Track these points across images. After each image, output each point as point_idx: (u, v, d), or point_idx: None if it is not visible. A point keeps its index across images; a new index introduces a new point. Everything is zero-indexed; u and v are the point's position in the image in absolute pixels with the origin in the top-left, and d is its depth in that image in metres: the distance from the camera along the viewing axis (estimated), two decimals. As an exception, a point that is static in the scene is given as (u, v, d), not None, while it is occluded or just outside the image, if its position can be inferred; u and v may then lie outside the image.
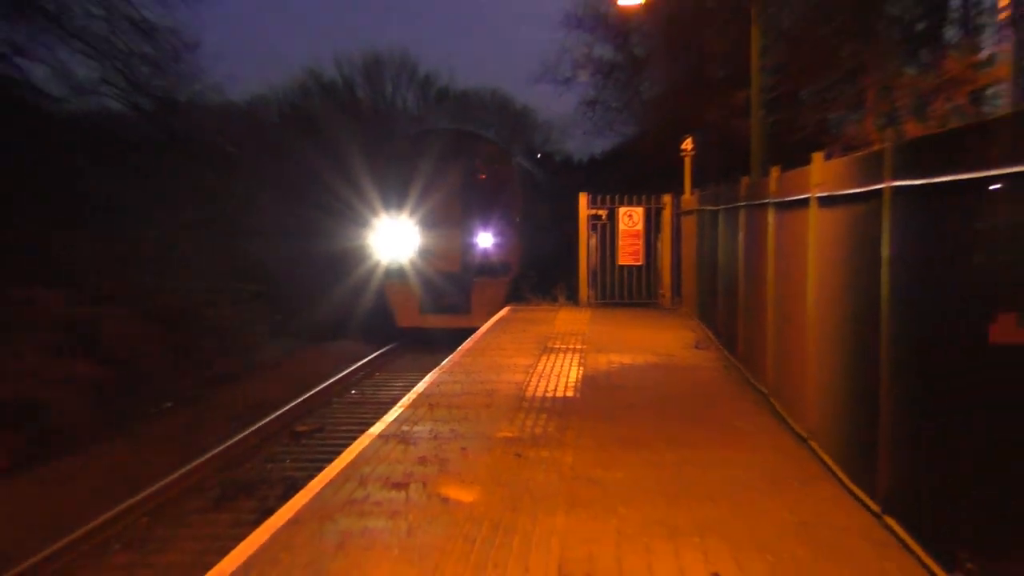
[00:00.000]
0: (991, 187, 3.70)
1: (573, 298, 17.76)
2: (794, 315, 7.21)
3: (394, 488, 5.87)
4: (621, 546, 4.80)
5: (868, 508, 5.20)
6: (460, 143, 19.24)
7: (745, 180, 10.32)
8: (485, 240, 18.50)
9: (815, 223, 6.54)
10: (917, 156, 4.65)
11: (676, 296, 17.27)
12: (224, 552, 4.93)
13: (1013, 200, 3.50)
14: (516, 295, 18.45)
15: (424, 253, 18.19)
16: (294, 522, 5.23)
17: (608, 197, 17.31)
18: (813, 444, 6.57)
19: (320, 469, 6.61)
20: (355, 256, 19.36)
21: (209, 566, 4.70)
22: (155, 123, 19.10)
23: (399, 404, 8.62)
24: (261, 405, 12.87)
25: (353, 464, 6.47)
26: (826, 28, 17.99)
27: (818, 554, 4.65)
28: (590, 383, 9.63)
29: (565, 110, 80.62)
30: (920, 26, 17.89)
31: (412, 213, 18.23)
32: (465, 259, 18.32)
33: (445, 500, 5.62)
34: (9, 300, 13.24)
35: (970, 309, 3.90)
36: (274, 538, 4.98)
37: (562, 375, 10.07)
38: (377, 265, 18.50)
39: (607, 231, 17.27)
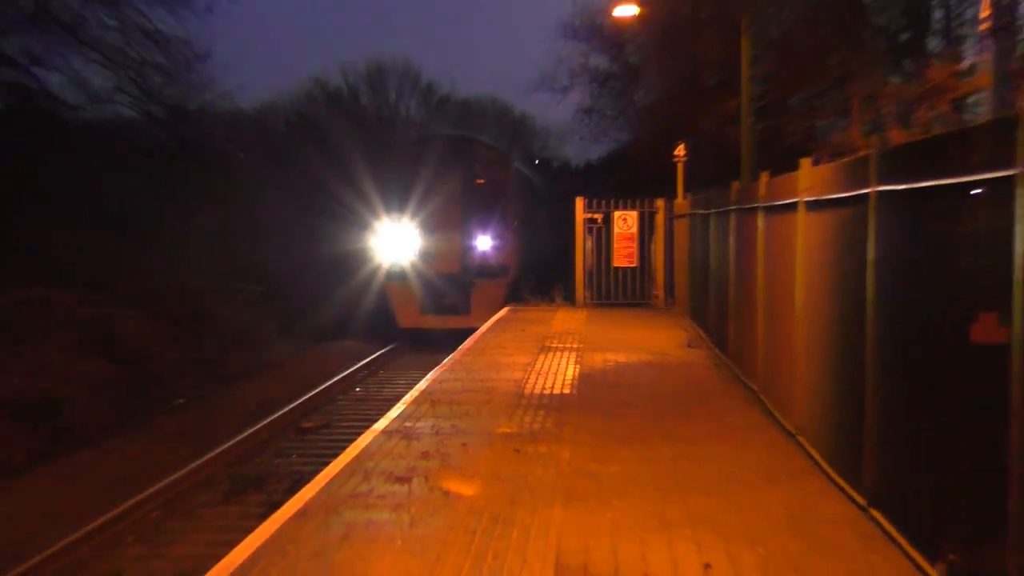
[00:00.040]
0: (972, 192, 3.70)
1: (570, 299, 17.77)
2: (783, 316, 7.21)
3: (397, 482, 5.86)
4: (616, 538, 4.80)
5: (854, 501, 5.20)
6: (459, 148, 19.21)
7: (736, 185, 10.32)
8: (484, 243, 18.47)
9: (803, 227, 6.54)
10: (901, 162, 4.65)
11: (669, 297, 17.28)
12: (233, 544, 4.92)
13: (993, 204, 3.50)
14: (515, 296, 18.44)
15: (425, 255, 18.16)
16: (301, 515, 5.23)
17: (604, 201, 17.33)
18: (801, 439, 6.57)
19: (326, 464, 6.61)
20: (357, 259, 19.35)
21: (219, 557, 4.70)
22: (167, 130, 19.13)
23: (402, 401, 8.62)
24: (269, 402, 12.86)
25: (358, 459, 6.46)
26: (813, 38, 18.02)
27: (807, 546, 4.65)
28: (586, 381, 9.63)
29: (562, 118, 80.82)
30: (904, 36, 17.91)
31: (413, 216, 18.19)
32: (465, 261, 18.30)
33: (446, 493, 5.62)
34: (27, 300, 13.26)
35: (953, 310, 3.90)
36: (281, 530, 4.97)
37: (559, 373, 10.07)
38: (379, 267, 18.48)
39: (603, 234, 17.28)
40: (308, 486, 5.86)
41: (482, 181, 18.82)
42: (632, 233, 17.22)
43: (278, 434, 11.46)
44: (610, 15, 20.59)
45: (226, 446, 10.30)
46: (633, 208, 17.27)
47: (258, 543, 4.78)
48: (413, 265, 18.16)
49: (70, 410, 11.57)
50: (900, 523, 4.51)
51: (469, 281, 18.12)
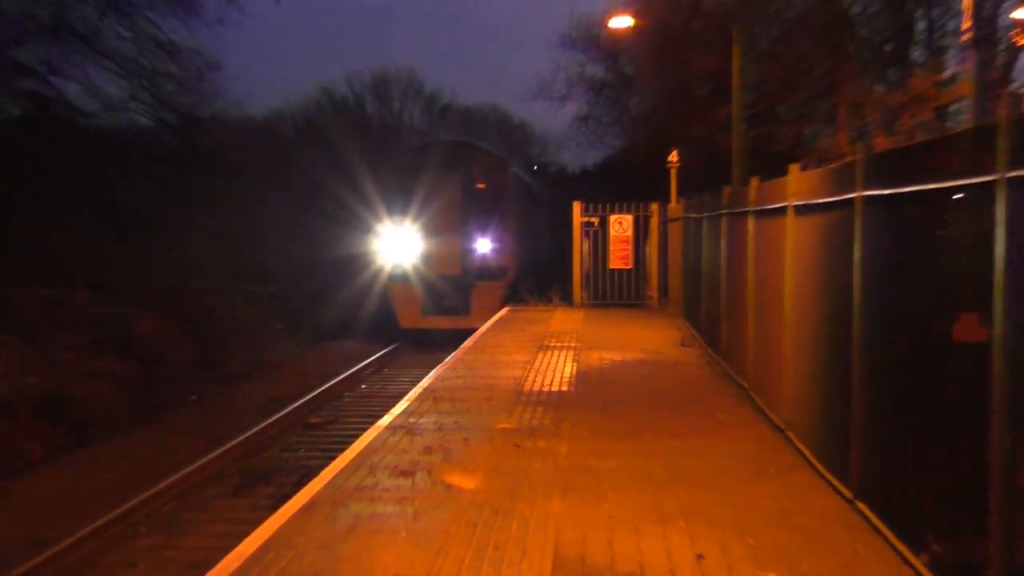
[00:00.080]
0: (955, 196, 3.71)
1: (567, 299, 17.77)
2: (773, 316, 7.21)
3: (401, 476, 5.86)
4: (613, 530, 4.80)
5: (841, 494, 5.20)
6: (460, 154, 19.18)
7: (727, 190, 10.32)
8: (484, 245, 18.47)
9: (792, 230, 6.54)
10: (886, 168, 4.66)
11: (663, 297, 17.29)
12: (243, 535, 4.92)
13: (974, 209, 3.51)
14: (514, 297, 18.44)
15: (426, 258, 18.17)
16: (308, 507, 5.23)
17: (600, 205, 17.32)
18: (790, 434, 6.58)
19: (333, 458, 6.61)
20: (360, 261, 19.35)
21: (229, 549, 4.70)
22: (179, 137, 19.12)
23: (405, 398, 8.61)
24: (277, 399, 12.87)
25: (363, 453, 6.46)
26: (801, 49, 18.04)
27: (796, 537, 4.65)
28: (583, 378, 9.63)
29: (560, 125, 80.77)
30: (888, 47, 17.94)
31: (415, 220, 18.20)
32: (465, 263, 18.30)
33: (449, 487, 5.62)
34: (46, 301, 13.26)
35: (936, 311, 3.91)
36: (290, 522, 4.97)
37: (557, 371, 10.07)
38: (381, 269, 18.48)
39: (599, 237, 17.28)
40: (315, 480, 5.86)
41: (482, 186, 18.82)
42: (627, 236, 17.22)
43: (287, 429, 11.46)
44: (606, 26, 20.67)
45: (236, 441, 10.30)
46: (628, 212, 17.27)
47: (267, 535, 4.78)
48: (415, 267, 18.16)
49: (86, 407, 11.56)
50: (886, 516, 4.52)
51: (469, 283, 18.12)
